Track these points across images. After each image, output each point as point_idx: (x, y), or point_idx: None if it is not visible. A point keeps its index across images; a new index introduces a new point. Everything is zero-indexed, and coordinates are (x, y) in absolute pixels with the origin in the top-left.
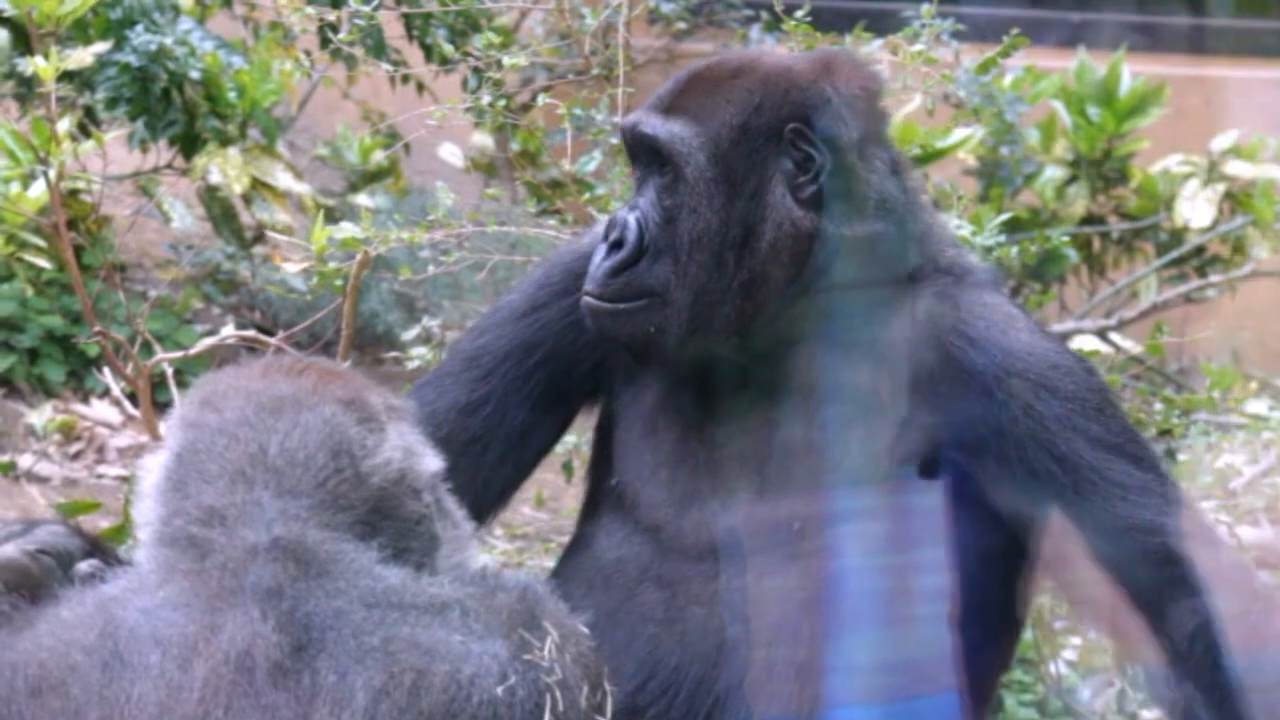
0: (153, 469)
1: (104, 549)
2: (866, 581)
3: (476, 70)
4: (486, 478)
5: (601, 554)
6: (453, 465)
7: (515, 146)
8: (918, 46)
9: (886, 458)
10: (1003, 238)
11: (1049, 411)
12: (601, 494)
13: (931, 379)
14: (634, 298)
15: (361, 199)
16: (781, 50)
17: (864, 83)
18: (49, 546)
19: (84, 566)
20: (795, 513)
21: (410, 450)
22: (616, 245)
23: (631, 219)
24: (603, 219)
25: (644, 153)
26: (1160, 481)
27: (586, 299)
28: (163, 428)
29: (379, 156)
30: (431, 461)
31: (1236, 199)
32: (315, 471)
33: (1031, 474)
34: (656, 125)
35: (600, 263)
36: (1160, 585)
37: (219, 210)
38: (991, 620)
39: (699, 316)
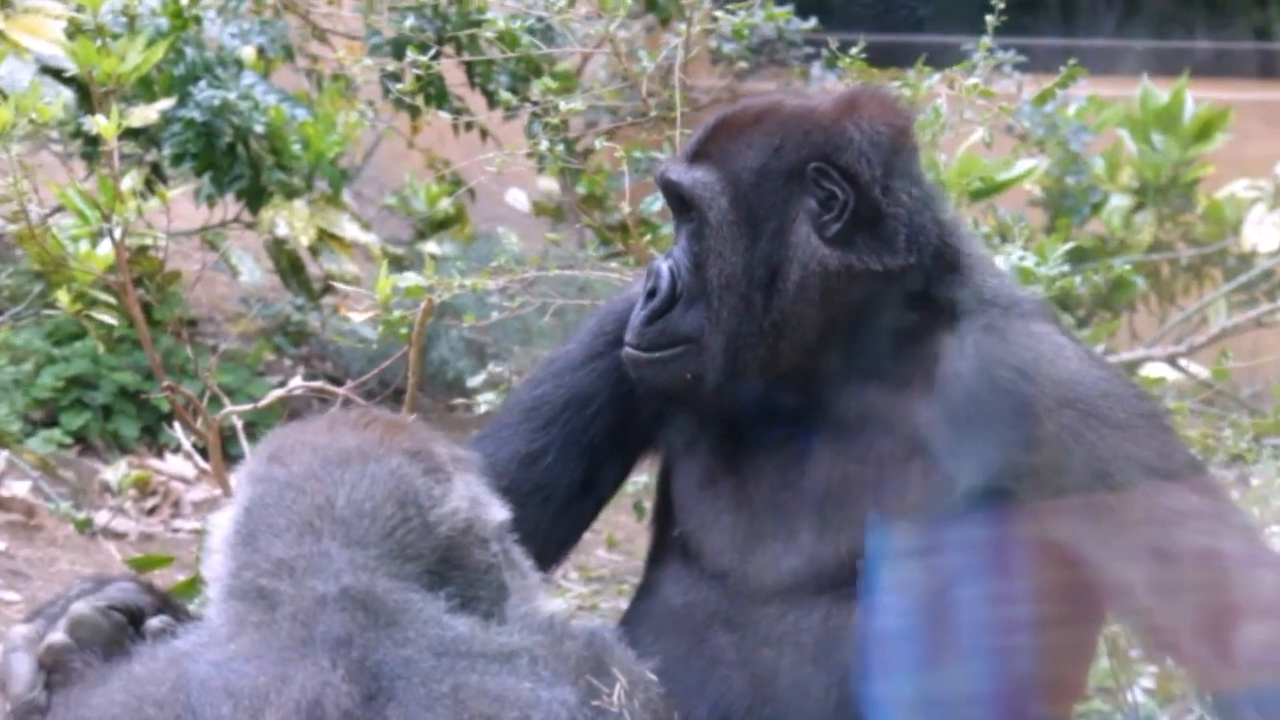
0: (222, 524)
1: (174, 605)
2: (932, 617)
3: (536, 115)
4: (549, 527)
5: (670, 599)
6: (515, 515)
7: (580, 190)
8: (973, 79)
9: (942, 492)
10: (1067, 267)
11: (1101, 440)
12: (666, 542)
13: (984, 412)
14: (669, 345)
15: (429, 246)
16: (839, 88)
17: (889, 118)
18: (120, 603)
19: (155, 622)
20: (858, 551)
21: (477, 500)
22: (651, 294)
23: (664, 267)
24: None
25: (673, 200)
26: (1218, 506)
27: (626, 349)
28: (233, 482)
29: (445, 204)
30: (498, 511)
31: None
32: (382, 522)
33: (1087, 504)
34: (681, 173)
35: (637, 312)
36: (1222, 612)
37: (286, 262)
38: (1060, 650)
39: (734, 360)
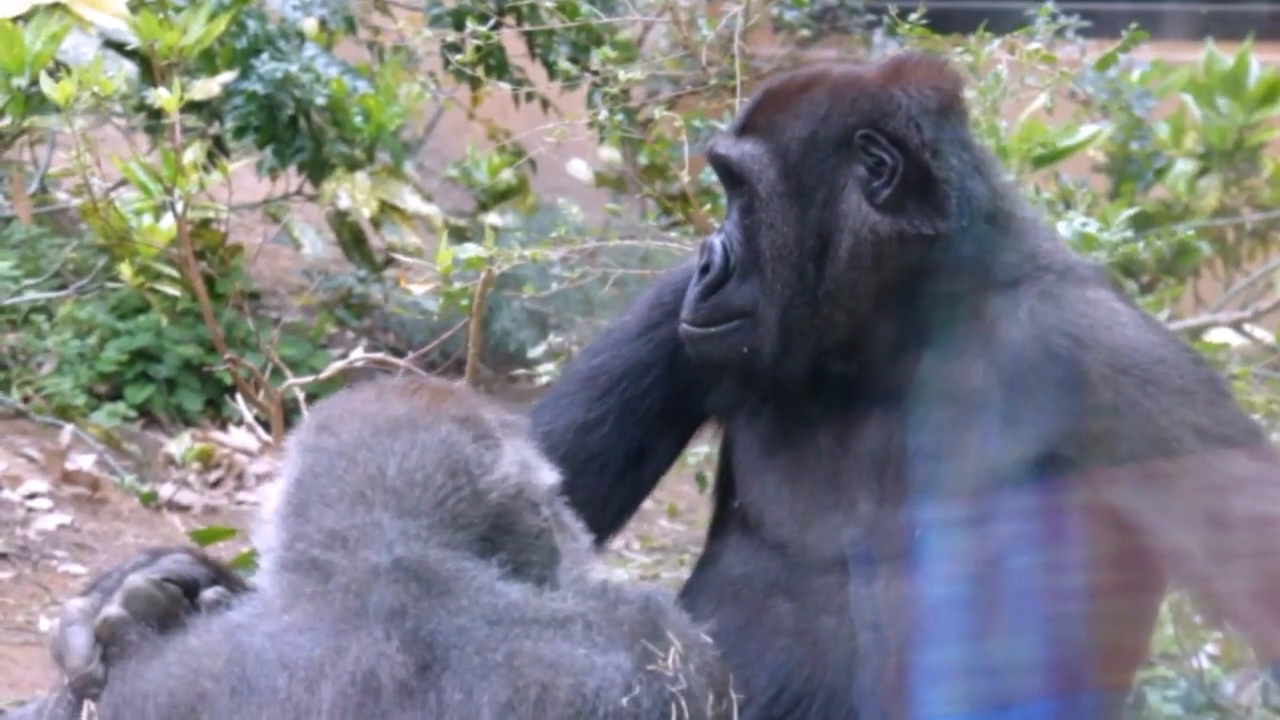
0: (273, 496)
1: (229, 576)
2: (990, 584)
3: (596, 85)
4: (605, 496)
5: (730, 570)
6: (570, 483)
7: (642, 160)
8: (1034, 45)
9: (1001, 459)
10: (1131, 233)
11: (1157, 407)
12: (728, 513)
13: (1039, 379)
14: (724, 320)
15: (492, 218)
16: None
17: (937, 83)
18: (174, 575)
19: (209, 594)
20: (917, 519)
21: (526, 464)
22: (705, 269)
23: (717, 242)
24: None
25: (724, 175)
26: (1275, 471)
27: (682, 326)
28: (284, 451)
29: (507, 175)
30: (548, 475)
31: None
32: (434, 491)
33: (1144, 471)
34: (729, 147)
35: (692, 288)
36: (1278, 577)
37: (349, 235)
38: (1119, 617)
39: (790, 331)
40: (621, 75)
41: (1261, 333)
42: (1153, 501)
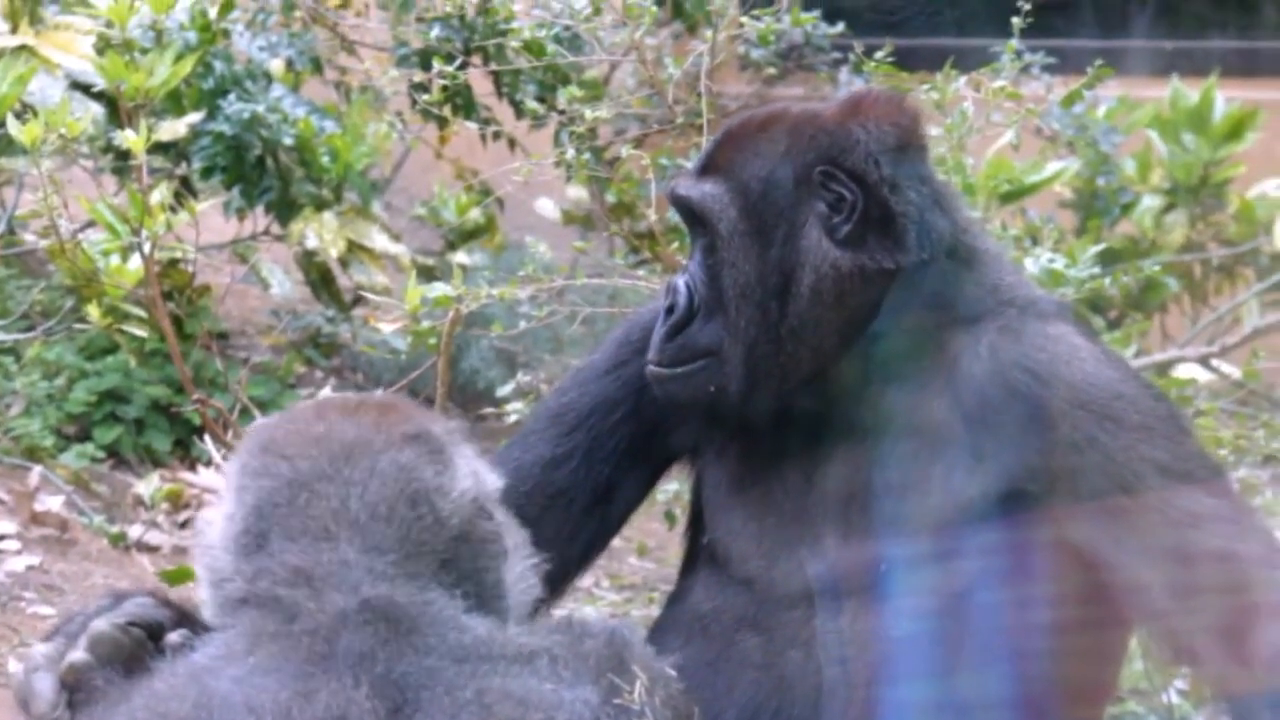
0: (220, 521)
1: (193, 618)
2: (954, 620)
3: (564, 124)
4: (572, 531)
5: (699, 605)
6: (538, 519)
7: (609, 198)
8: (999, 82)
9: (963, 495)
10: (1098, 269)
11: (1115, 443)
12: (698, 549)
13: (999, 414)
14: (690, 359)
15: (460, 257)
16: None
17: (895, 119)
18: (139, 619)
19: (174, 637)
20: (881, 554)
21: (477, 474)
22: (670, 310)
23: (681, 283)
24: None
25: (685, 215)
26: (1235, 509)
27: (649, 367)
28: (224, 473)
29: (475, 214)
30: (494, 479)
31: None
32: (397, 524)
33: (1104, 507)
34: (690, 187)
35: (658, 329)
36: (1238, 614)
37: (317, 274)
38: (1085, 653)
39: (755, 369)
40: (588, 114)
41: (1229, 368)
42: (1113, 537)
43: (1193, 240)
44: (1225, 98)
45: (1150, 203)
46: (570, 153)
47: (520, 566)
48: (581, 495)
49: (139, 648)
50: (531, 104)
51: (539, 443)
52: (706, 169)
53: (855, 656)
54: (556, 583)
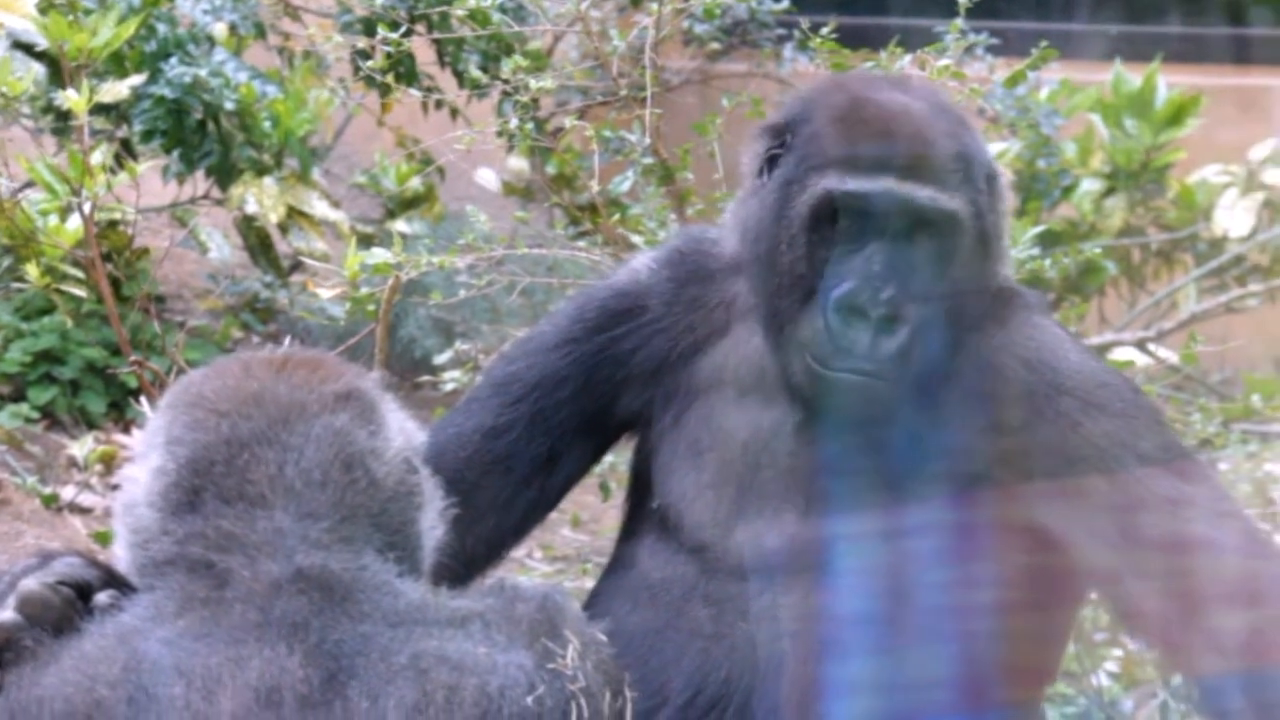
0: (145, 477)
1: (120, 578)
2: (912, 599)
3: (507, 94)
4: (509, 498)
5: (647, 572)
6: (475, 485)
7: (550, 170)
8: (944, 61)
9: (934, 476)
10: (1037, 251)
11: (1098, 429)
12: (641, 516)
13: (981, 398)
14: (896, 369)
15: (399, 225)
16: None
17: None
18: (68, 578)
19: (103, 597)
20: (843, 532)
21: (405, 429)
22: (893, 319)
23: (890, 292)
24: (636, 240)
25: (915, 219)
26: (1211, 496)
27: (864, 379)
28: (150, 428)
29: (415, 183)
30: (419, 433)
31: (1275, 208)
32: (332, 489)
33: (1081, 490)
34: (934, 196)
35: (875, 339)
36: (1213, 598)
37: (256, 240)
38: (1037, 635)
39: (920, 374)
40: (533, 84)
41: (1165, 352)
42: (1090, 519)
43: (1132, 225)
44: (1168, 83)
45: (1090, 186)
46: (514, 123)
47: (433, 513)
48: (520, 465)
49: (68, 608)
50: (475, 73)
51: (481, 411)
52: (939, 175)
53: (807, 633)
54: (493, 549)
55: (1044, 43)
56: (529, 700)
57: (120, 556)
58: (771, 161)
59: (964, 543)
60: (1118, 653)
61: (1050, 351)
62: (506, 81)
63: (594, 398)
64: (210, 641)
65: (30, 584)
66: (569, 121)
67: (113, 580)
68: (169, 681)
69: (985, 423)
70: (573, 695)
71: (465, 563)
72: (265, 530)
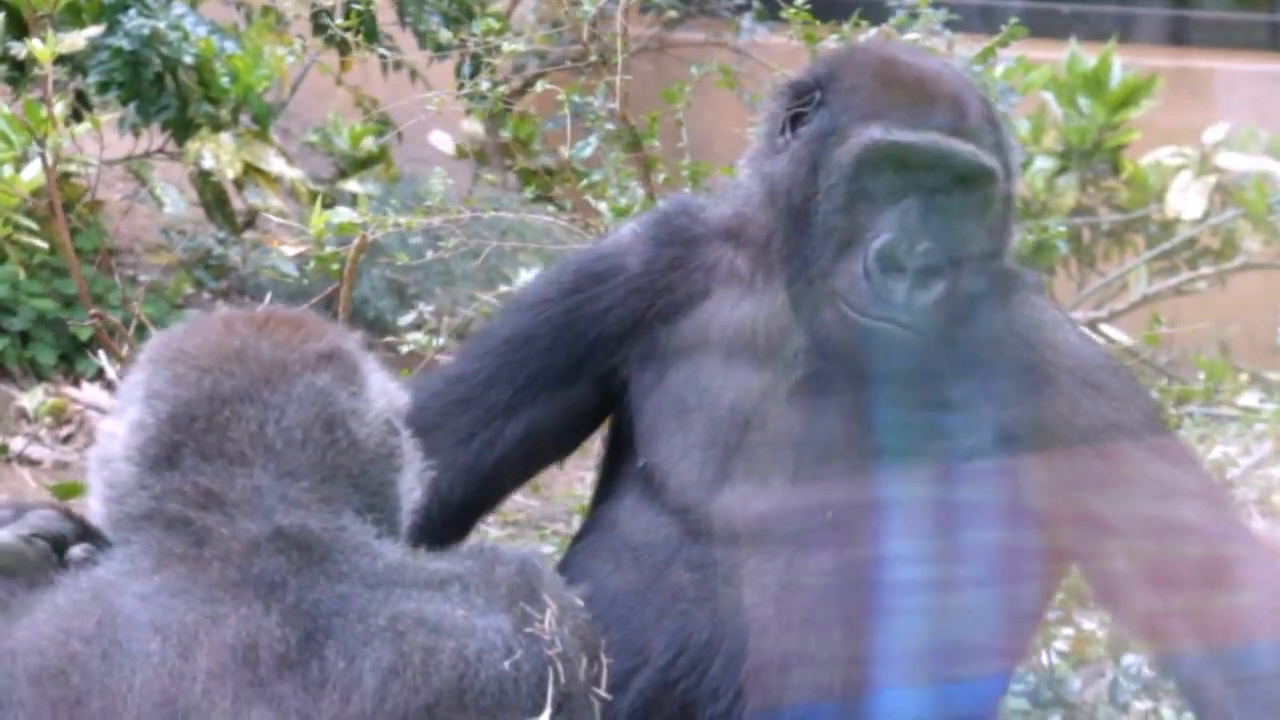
0: (124, 431)
1: (94, 531)
2: (897, 569)
3: (472, 57)
4: (465, 436)
5: (628, 534)
6: (437, 423)
7: (506, 134)
8: (910, 35)
9: (927, 448)
10: None
11: (1094, 408)
12: (621, 477)
13: (978, 372)
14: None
15: (351, 185)
16: (770, 41)
17: None
18: (43, 531)
19: (77, 551)
20: (830, 500)
21: (386, 390)
22: (931, 272)
23: (927, 245)
24: (601, 206)
25: (957, 175)
26: (1201, 482)
27: (901, 329)
28: (131, 379)
29: (369, 143)
30: (401, 394)
31: (1228, 191)
32: (313, 449)
33: (1074, 469)
34: (976, 152)
35: (912, 291)
36: (1194, 580)
37: (211, 195)
38: (1019, 609)
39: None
40: (505, 47)
41: (1117, 333)
42: (1076, 496)
43: (1083, 204)
44: (1123, 64)
45: (1043, 165)
46: (485, 85)
47: (412, 475)
48: (477, 407)
49: (43, 560)
50: (445, 34)
51: (455, 363)
52: (977, 133)
53: (790, 598)
54: (461, 486)
55: (1014, 19)
56: (506, 664)
57: (95, 511)
58: (795, 120)
59: (951, 515)
60: (1068, 631)
61: (1050, 331)
62: (464, 43)
63: (564, 354)
64: (187, 598)
65: (4, 536)
66: (541, 85)
67: (87, 534)
68: (144, 637)
69: (984, 397)
70: (550, 660)
71: (440, 503)
72: (244, 488)
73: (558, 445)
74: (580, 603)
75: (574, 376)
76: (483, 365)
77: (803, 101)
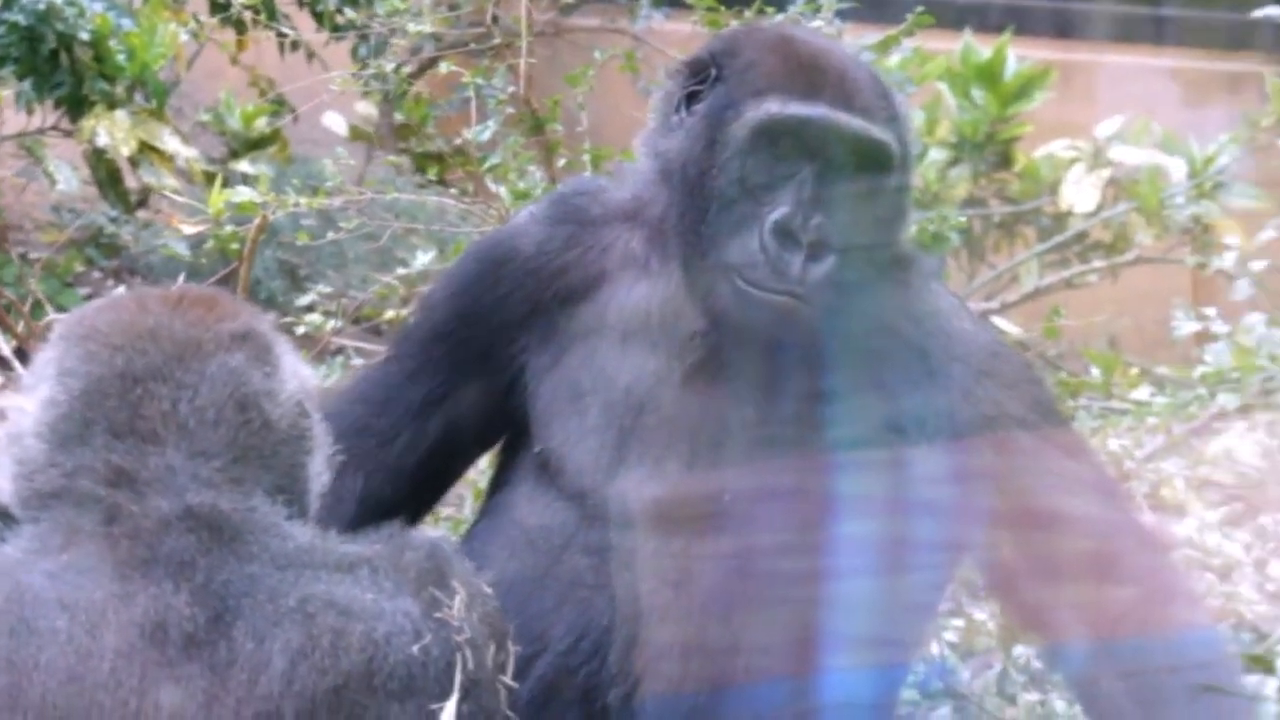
0: (35, 408)
1: (3, 509)
2: (789, 555)
3: (366, 38)
4: (390, 438)
5: (524, 519)
6: (364, 425)
7: (400, 116)
8: (816, 23)
9: (820, 433)
10: None
11: (989, 396)
12: (518, 463)
13: (874, 357)
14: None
15: (244, 166)
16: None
17: None
18: None
19: None
20: (725, 485)
21: (298, 372)
22: (825, 245)
23: (820, 219)
24: (500, 189)
25: (851, 149)
26: (1094, 473)
27: (795, 302)
28: (42, 357)
29: (262, 123)
30: (313, 375)
31: (1120, 185)
32: (225, 429)
33: (966, 457)
34: (878, 131)
35: (806, 264)
36: (1087, 575)
37: (105, 173)
38: (914, 598)
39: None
40: (411, 28)
41: (1007, 325)
42: (968, 485)
43: (975, 196)
44: (1018, 56)
45: (936, 156)
46: (390, 66)
47: (321, 458)
48: (397, 408)
49: None
50: (350, 13)
51: (379, 364)
52: (872, 110)
53: (688, 583)
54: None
55: (919, 9)
56: (415, 649)
57: (3, 488)
58: (691, 98)
59: (844, 501)
60: (958, 622)
61: (945, 318)
62: (381, 24)
63: (472, 345)
64: (96, 576)
65: None
66: (445, 67)
67: None
68: (52, 614)
69: (879, 383)
70: (458, 646)
71: (374, 504)
72: (156, 467)
73: (480, 438)
74: (489, 590)
75: (483, 367)
76: (401, 365)
77: (699, 79)
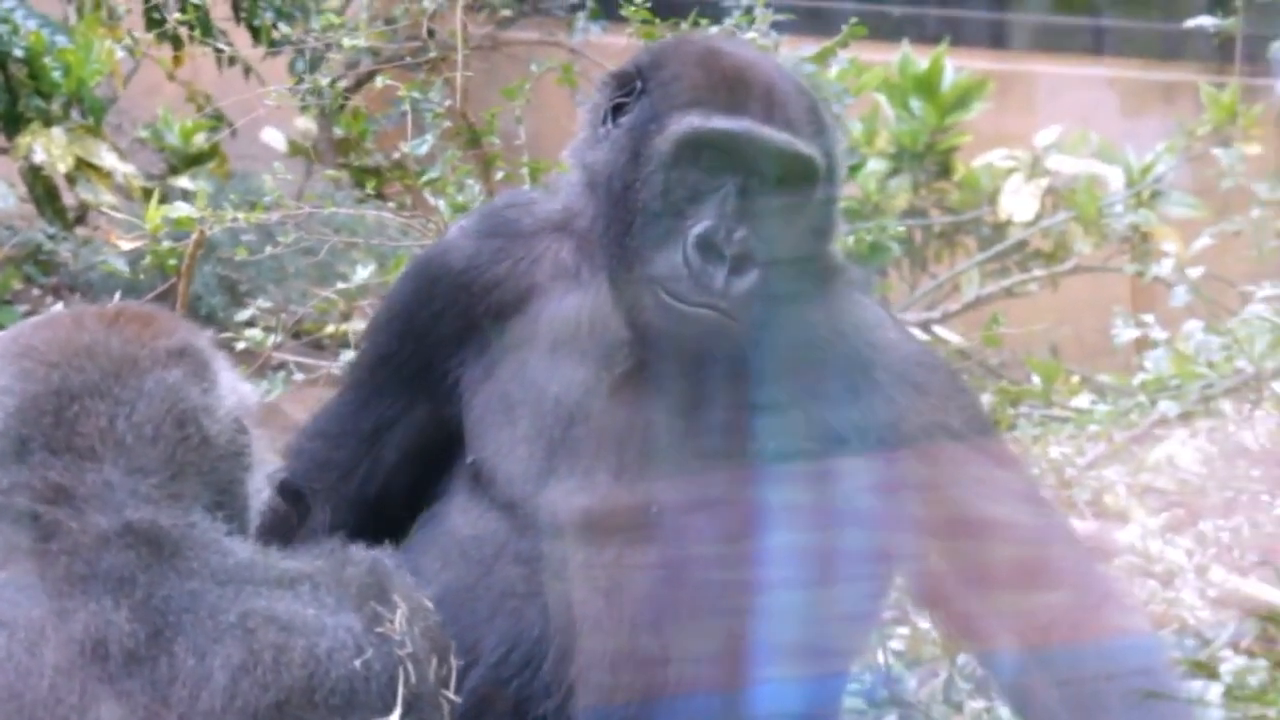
0: None
1: None
2: (719, 565)
3: (302, 53)
4: (350, 470)
5: (457, 530)
6: (326, 460)
7: (339, 131)
8: (750, 35)
9: (747, 445)
10: None
11: (912, 405)
12: (452, 474)
13: (801, 369)
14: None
15: (183, 181)
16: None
17: None
18: None
19: None
20: (654, 496)
21: (237, 388)
22: (748, 259)
23: (743, 233)
24: (439, 204)
25: (775, 162)
26: (1022, 482)
27: (718, 316)
28: None
29: (201, 139)
30: (252, 392)
31: (1059, 194)
32: (163, 445)
33: (894, 468)
34: (804, 145)
35: (729, 278)
36: (1012, 580)
37: (42, 190)
38: (850, 609)
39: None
40: (346, 42)
41: (949, 334)
42: (895, 496)
43: (915, 206)
44: (955, 67)
45: (875, 166)
46: (325, 80)
47: (261, 475)
48: (352, 440)
49: None
50: (283, 29)
51: (335, 397)
52: (796, 124)
53: (620, 592)
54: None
55: (853, 20)
56: (357, 664)
57: None
58: (617, 110)
59: (772, 513)
60: (904, 630)
61: (870, 330)
62: (316, 39)
63: (414, 365)
64: (34, 593)
65: None
66: (381, 81)
67: None
68: None
69: (807, 395)
70: (400, 660)
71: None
72: (94, 483)
73: (437, 460)
74: (431, 605)
75: (425, 384)
76: (355, 394)
77: (625, 91)
